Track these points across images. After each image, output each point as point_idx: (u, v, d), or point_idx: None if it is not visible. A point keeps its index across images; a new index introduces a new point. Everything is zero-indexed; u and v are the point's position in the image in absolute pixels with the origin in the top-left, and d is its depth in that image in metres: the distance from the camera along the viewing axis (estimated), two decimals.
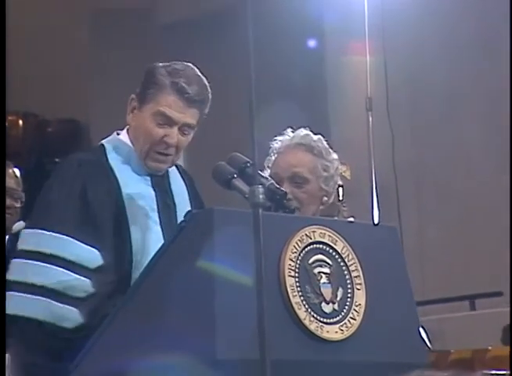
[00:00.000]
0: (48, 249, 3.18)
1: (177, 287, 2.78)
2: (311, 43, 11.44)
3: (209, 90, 3.37)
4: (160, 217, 3.38)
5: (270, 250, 2.64)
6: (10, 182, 4.41)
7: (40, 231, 3.22)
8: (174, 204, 3.45)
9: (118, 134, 3.47)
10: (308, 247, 2.86)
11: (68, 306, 3.11)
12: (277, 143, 3.64)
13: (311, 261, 2.86)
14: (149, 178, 3.40)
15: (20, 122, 15.55)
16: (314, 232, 2.89)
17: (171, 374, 2.75)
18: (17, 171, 4.49)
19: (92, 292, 3.13)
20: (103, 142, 3.45)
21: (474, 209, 11.80)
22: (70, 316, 3.11)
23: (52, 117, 15.27)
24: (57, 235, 3.19)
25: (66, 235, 3.18)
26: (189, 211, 2.91)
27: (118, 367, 2.84)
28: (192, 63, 3.38)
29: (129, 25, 14.04)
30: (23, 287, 3.14)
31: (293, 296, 2.79)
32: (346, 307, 2.88)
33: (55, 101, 14.51)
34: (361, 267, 2.94)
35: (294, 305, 2.78)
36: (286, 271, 2.79)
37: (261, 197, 2.40)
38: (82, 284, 3.13)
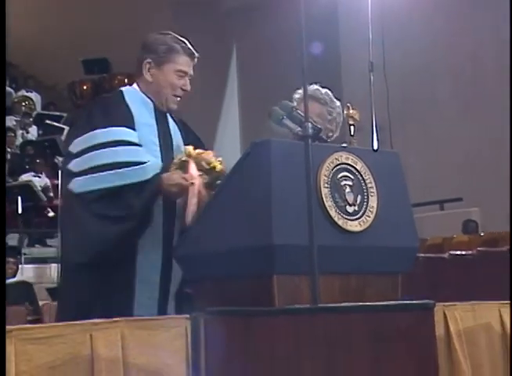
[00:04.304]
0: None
1: (246, 191, 2.75)
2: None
3: None
4: (159, 141, 3.28)
5: (311, 169, 2.60)
6: None
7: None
8: (170, 134, 3.35)
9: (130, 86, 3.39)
10: (337, 167, 2.83)
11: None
12: (297, 94, 3.54)
13: (339, 176, 2.83)
14: (153, 115, 3.32)
15: (126, 80, 15.50)
16: (341, 156, 2.85)
17: (241, 255, 2.74)
18: None
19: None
20: (121, 89, 3.36)
21: (442, 141, 11.72)
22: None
23: None
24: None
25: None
26: (252, 142, 2.87)
27: (208, 247, 2.84)
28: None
29: (199, 10, 13.95)
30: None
31: (327, 201, 2.76)
32: (363, 208, 2.85)
33: None
34: (374, 180, 2.90)
35: (328, 207, 2.76)
36: (322, 183, 2.76)
37: (310, 131, 2.36)
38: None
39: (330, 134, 3.54)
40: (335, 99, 3.59)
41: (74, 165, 3.12)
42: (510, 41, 9.78)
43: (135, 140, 3.15)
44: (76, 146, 3.15)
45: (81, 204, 3.05)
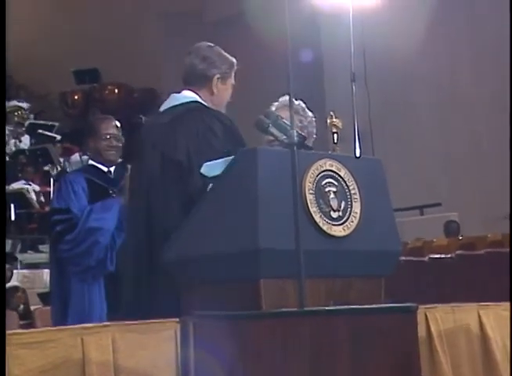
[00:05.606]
0: None
1: (234, 197, 2.74)
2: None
3: None
4: None
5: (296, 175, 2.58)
6: (115, 130, 4.30)
7: None
8: None
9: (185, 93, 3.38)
10: (322, 174, 2.82)
11: None
12: (273, 107, 3.52)
13: (323, 183, 2.82)
14: None
15: (116, 90, 15.48)
16: (325, 163, 2.84)
17: (228, 260, 2.72)
18: (118, 123, 4.38)
19: None
20: (199, 100, 3.35)
21: (421, 148, 11.76)
22: None
23: (137, 86, 15.24)
24: None
25: None
26: (239, 150, 2.85)
27: (196, 251, 2.83)
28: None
29: (185, 22, 14.01)
30: None
31: (312, 207, 2.76)
32: (347, 214, 2.84)
33: (140, 75, 14.49)
34: (357, 186, 2.89)
35: (312, 213, 2.75)
36: (307, 190, 2.75)
37: (296, 138, 2.35)
38: None
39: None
40: (308, 110, 3.60)
41: None
42: (510, 42, 9.80)
43: None
44: (211, 169, 3.05)
45: None
